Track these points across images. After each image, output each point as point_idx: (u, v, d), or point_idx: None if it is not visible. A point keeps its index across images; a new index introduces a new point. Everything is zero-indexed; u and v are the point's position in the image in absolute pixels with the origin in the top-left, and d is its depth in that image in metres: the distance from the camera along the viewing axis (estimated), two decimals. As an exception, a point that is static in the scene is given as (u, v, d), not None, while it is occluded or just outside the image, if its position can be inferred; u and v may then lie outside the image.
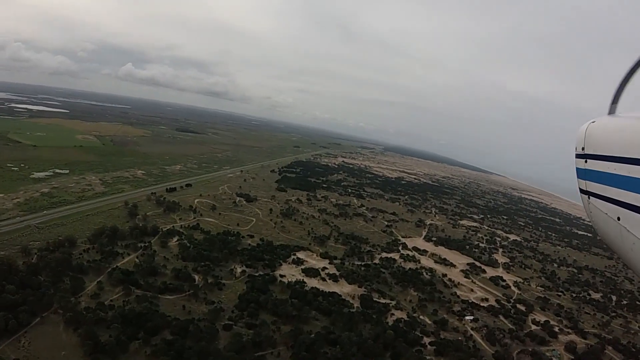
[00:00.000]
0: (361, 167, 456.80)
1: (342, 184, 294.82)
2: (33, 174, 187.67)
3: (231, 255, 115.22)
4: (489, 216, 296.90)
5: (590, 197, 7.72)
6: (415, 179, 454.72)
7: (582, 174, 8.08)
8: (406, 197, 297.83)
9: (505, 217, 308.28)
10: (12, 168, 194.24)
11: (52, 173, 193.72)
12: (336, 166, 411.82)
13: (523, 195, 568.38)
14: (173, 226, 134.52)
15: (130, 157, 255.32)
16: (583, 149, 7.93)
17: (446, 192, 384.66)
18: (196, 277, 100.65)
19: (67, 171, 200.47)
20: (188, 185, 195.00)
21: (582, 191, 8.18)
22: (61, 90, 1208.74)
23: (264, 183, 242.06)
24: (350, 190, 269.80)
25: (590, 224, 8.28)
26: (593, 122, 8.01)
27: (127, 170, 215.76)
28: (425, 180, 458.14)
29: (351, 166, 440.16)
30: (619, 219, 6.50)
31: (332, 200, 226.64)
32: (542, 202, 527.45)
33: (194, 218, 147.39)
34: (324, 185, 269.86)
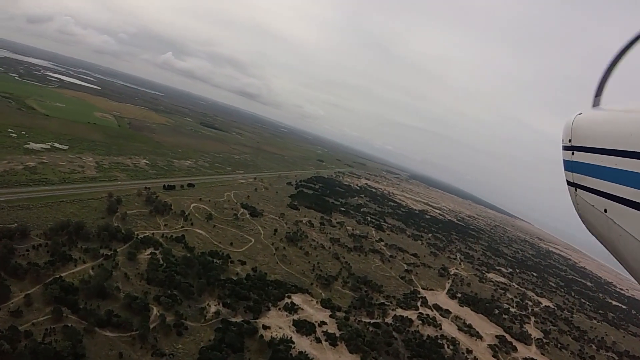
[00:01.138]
0: (384, 193, 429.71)
1: (362, 209, 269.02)
2: (29, 144, 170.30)
3: (209, 287, 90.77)
4: (517, 271, 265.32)
5: (577, 189, 7.66)
6: (439, 214, 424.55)
7: (568, 166, 8.03)
8: (430, 235, 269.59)
9: (535, 275, 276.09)
10: (11, 134, 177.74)
11: (49, 146, 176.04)
12: (358, 188, 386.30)
13: (550, 248, 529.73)
14: (153, 233, 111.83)
15: (141, 144, 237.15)
16: (570, 140, 7.90)
17: (472, 235, 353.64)
18: (154, 311, 76.94)
19: (67, 147, 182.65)
20: (190, 185, 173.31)
21: (569, 183, 8.06)
22: (102, 69, 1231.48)
23: (276, 196, 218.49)
24: (369, 219, 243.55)
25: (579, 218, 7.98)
26: (580, 114, 7.97)
27: (131, 157, 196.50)
28: (450, 218, 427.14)
29: (374, 190, 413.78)
30: (605, 211, 6.49)
31: (348, 227, 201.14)
32: (570, 259, 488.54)
33: (182, 227, 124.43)
34: (342, 209, 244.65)
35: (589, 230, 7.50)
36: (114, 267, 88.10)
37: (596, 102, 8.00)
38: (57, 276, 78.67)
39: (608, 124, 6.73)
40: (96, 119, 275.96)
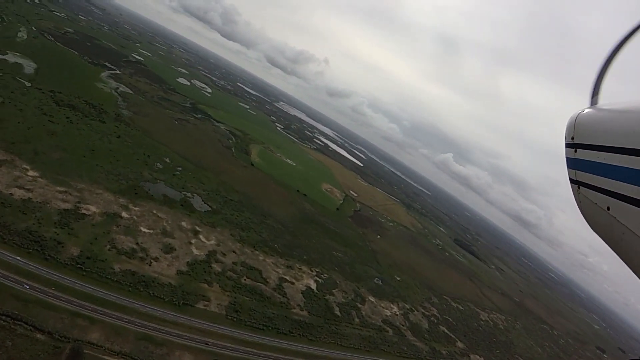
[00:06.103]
0: None
1: None
2: (156, 183, 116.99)
3: None
4: None
5: (580, 186, 7.88)
6: None
7: (571, 163, 8.24)
8: None
9: None
10: (158, 165, 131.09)
11: (181, 197, 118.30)
12: None
13: None
14: None
15: (339, 245, 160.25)
16: (573, 138, 8.20)
17: None
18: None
19: (209, 209, 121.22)
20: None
21: (572, 181, 8.20)
22: (382, 153, 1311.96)
23: None
24: None
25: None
26: (583, 111, 8.16)
27: (293, 266, 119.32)
28: None
29: None
30: (608, 208, 6.73)
31: None
32: None
33: None
34: None
35: (592, 228, 7.55)
36: None
37: (594, 101, 8.24)
38: None
39: (611, 122, 7.02)
40: (314, 191, 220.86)
